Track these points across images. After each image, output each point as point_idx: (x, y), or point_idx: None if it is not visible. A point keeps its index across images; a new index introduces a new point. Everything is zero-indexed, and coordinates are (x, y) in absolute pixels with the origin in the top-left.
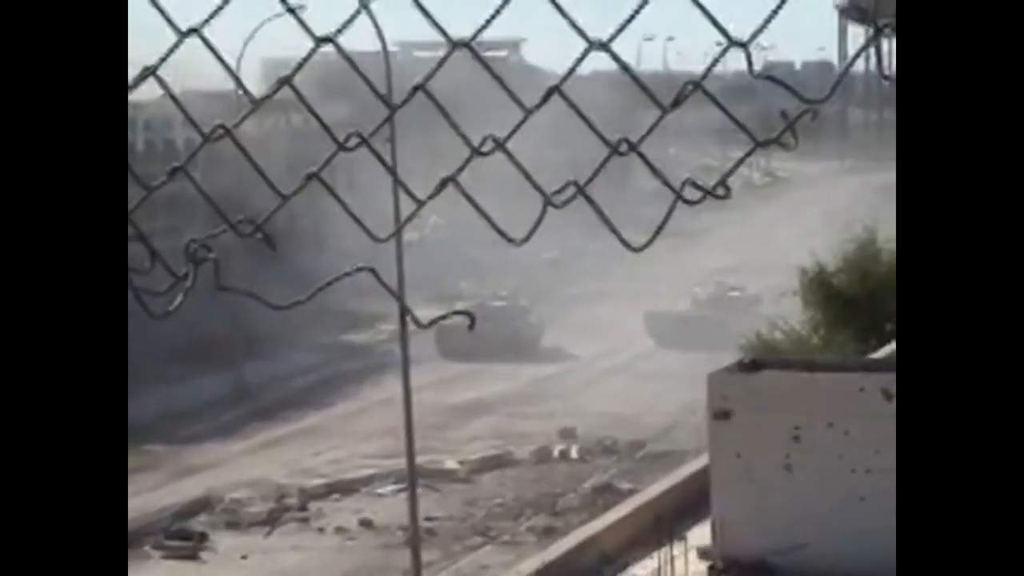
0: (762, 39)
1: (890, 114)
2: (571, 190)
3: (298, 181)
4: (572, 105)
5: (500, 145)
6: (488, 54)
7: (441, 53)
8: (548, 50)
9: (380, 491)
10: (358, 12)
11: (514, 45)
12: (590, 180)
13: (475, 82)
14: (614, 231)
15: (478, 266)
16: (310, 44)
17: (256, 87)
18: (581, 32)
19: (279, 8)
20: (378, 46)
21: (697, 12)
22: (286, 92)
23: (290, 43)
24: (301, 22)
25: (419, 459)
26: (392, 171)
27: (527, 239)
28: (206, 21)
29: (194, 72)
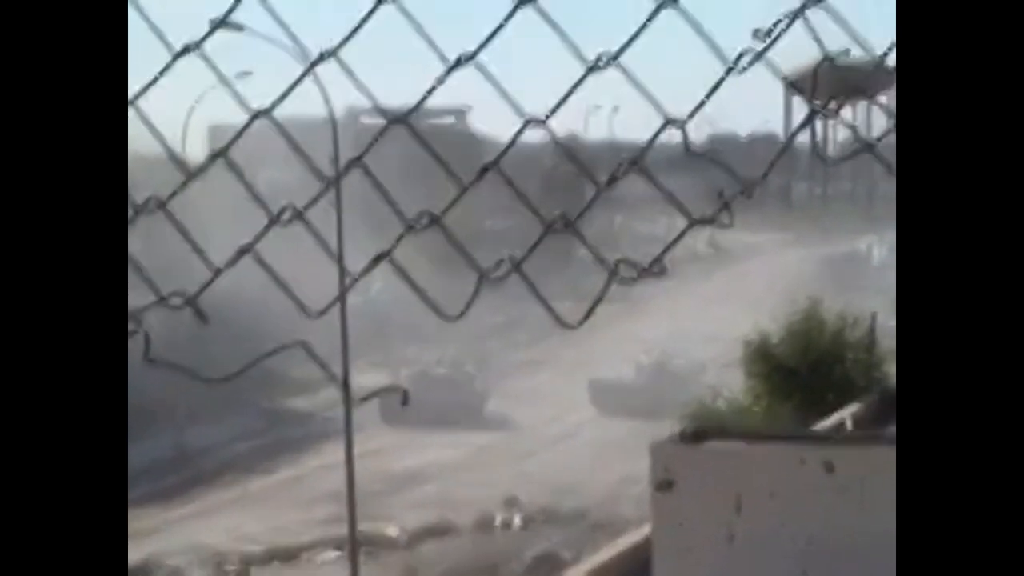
0: (708, 110)
1: (833, 188)
2: (506, 266)
3: (245, 242)
4: (508, 181)
5: (436, 220)
6: (433, 122)
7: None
8: (495, 118)
9: (320, 557)
10: (302, 77)
11: (460, 113)
12: (524, 257)
13: (422, 151)
14: (548, 308)
15: (423, 331)
16: (258, 106)
17: (203, 152)
18: (517, 108)
19: (228, 73)
20: (327, 110)
21: (646, 80)
22: (235, 156)
23: (237, 110)
24: (236, 94)
25: (360, 526)
26: (326, 247)
27: (462, 315)
28: (140, 92)
29: (143, 136)
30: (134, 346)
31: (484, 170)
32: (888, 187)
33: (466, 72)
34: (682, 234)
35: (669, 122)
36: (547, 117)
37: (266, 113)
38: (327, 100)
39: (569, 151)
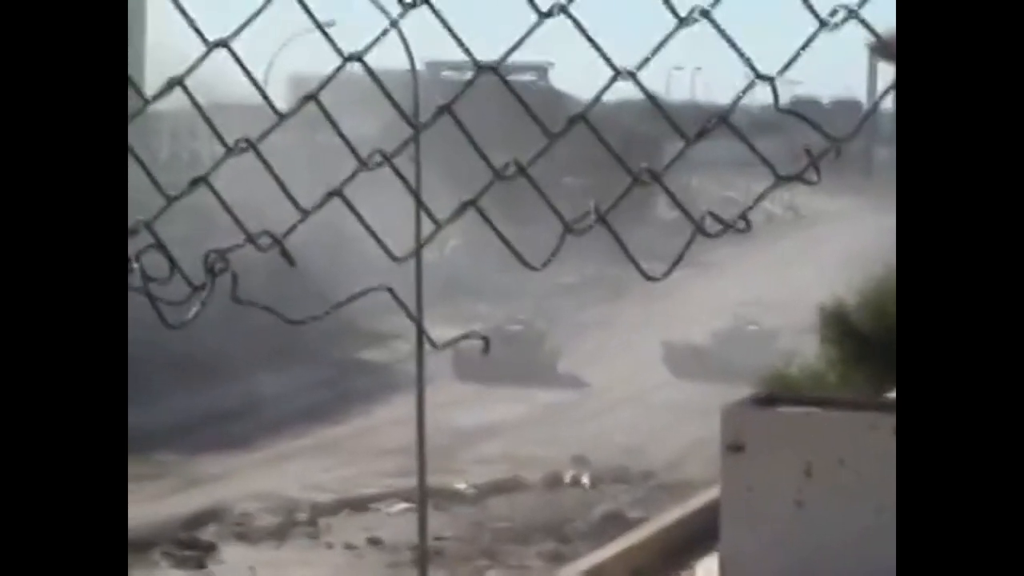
0: (791, 75)
1: None
2: (591, 217)
3: (321, 196)
4: (596, 133)
5: (522, 170)
6: (515, 78)
7: (468, 75)
8: (576, 76)
9: (389, 509)
10: (387, 30)
11: (542, 70)
12: (611, 208)
13: (504, 106)
14: (632, 260)
15: (496, 289)
16: (337, 60)
17: (283, 102)
18: (608, 60)
19: (308, 24)
20: (406, 64)
21: (726, 44)
22: (313, 108)
23: (318, 59)
24: (329, 39)
25: (429, 479)
26: (413, 191)
27: (546, 265)
28: (235, 34)
29: (222, 85)
30: (222, 284)
31: (572, 121)
32: None
33: (545, 30)
34: (769, 190)
35: (759, 77)
36: (637, 69)
37: (358, 57)
38: (409, 52)
39: (657, 105)
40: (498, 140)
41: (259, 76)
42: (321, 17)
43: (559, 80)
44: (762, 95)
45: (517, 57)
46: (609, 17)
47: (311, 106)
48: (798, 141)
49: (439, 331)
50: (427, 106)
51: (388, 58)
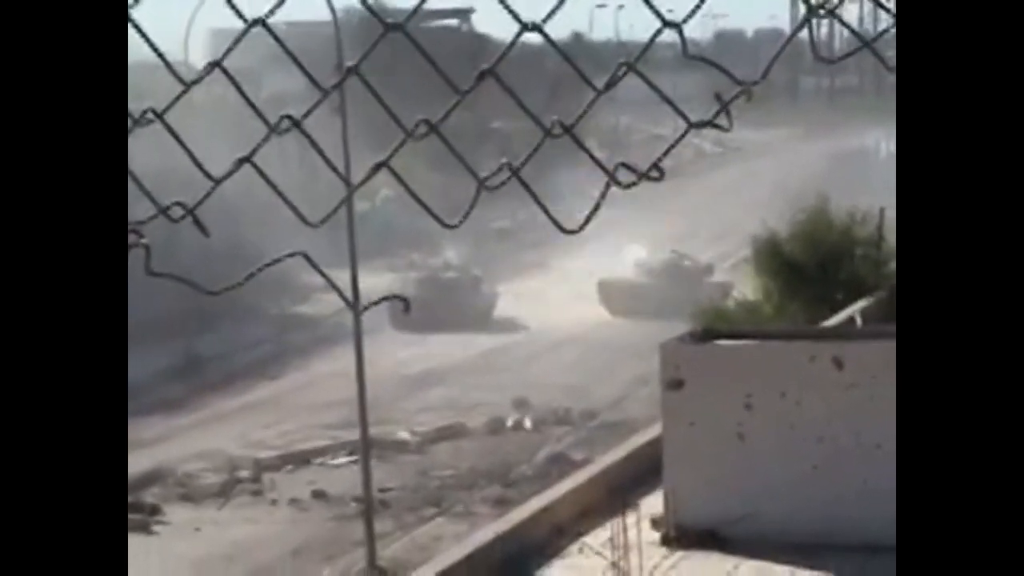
0: (715, 7)
1: (841, 81)
2: (505, 172)
3: (244, 152)
4: (505, 87)
5: (433, 128)
6: (438, 24)
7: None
8: (502, 18)
9: (333, 462)
10: None
11: (464, 14)
12: (523, 164)
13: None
14: (547, 213)
15: (429, 236)
16: (260, 12)
17: (204, 58)
18: (514, 14)
19: None
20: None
21: None
22: (235, 64)
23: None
24: (232, 5)
25: (372, 430)
26: (323, 156)
27: (462, 221)
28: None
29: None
30: (136, 257)
31: (482, 75)
32: (895, 80)
33: None
34: (680, 138)
35: (666, 24)
36: (543, 22)
37: (262, 22)
38: (330, 4)
39: (567, 55)
40: (432, 80)
41: (180, 32)
42: None
43: (482, 23)
44: (690, 26)
45: (439, 3)
46: None
47: (233, 63)
48: (730, 71)
49: (374, 281)
50: (356, 54)
51: (312, 8)
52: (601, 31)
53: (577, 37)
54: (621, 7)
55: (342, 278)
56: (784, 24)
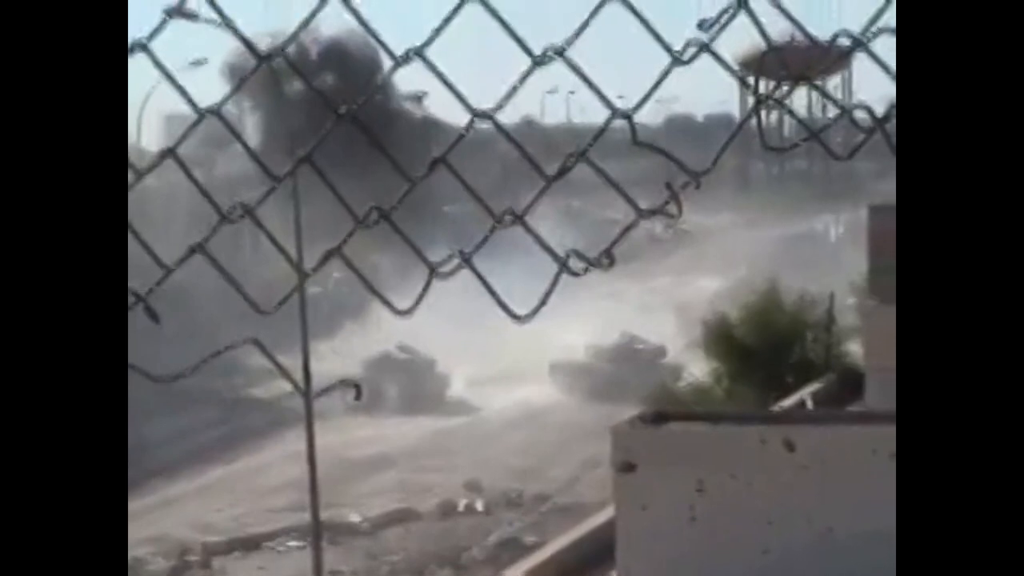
0: (664, 94)
1: (791, 166)
2: (455, 261)
3: (207, 231)
4: (456, 175)
5: (384, 215)
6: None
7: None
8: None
9: (282, 548)
10: (253, 71)
11: (416, 99)
12: (474, 251)
13: (390, 134)
14: (499, 302)
15: (383, 318)
16: (213, 99)
17: (158, 143)
18: (465, 102)
19: (183, 63)
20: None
21: (602, 66)
22: (187, 149)
23: (194, 98)
24: (184, 94)
25: (323, 513)
26: (275, 242)
27: (412, 309)
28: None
29: None
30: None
31: (434, 163)
32: (843, 165)
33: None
34: (629, 227)
35: (616, 114)
36: (494, 110)
37: (214, 112)
38: (283, 92)
39: (518, 143)
40: (383, 162)
41: (132, 117)
42: (194, 57)
43: (435, 107)
44: (641, 112)
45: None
46: (483, 49)
47: (195, 144)
48: (680, 156)
49: (326, 365)
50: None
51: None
52: (553, 115)
53: (528, 123)
54: (572, 92)
55: (294, 364)
56: (734, 108)
